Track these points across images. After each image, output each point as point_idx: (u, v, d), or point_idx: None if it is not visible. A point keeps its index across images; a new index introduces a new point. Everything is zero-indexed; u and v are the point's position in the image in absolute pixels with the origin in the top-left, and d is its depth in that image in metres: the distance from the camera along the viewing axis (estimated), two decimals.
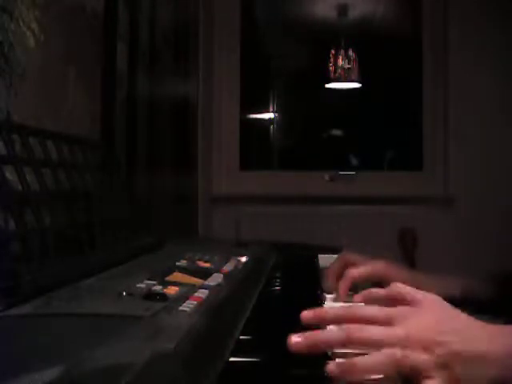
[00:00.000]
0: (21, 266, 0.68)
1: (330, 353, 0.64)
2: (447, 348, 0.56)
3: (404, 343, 0.57)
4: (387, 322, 0.60)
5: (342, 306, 0.65)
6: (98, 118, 1.44)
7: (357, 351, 0.64)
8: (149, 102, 1.93)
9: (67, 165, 0.92)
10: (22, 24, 1.04)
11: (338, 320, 0.62)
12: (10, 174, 0.75)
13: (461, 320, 0.61)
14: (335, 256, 1.30)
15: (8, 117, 0.96)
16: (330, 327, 0.63)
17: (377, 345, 0.58)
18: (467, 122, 2.99)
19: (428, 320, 0.60)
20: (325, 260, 1.26)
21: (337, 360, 0.60)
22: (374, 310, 0.63)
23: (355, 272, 1.01)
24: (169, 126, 2.24)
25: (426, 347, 0.57)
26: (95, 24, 1.43)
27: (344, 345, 0.60)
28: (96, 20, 1.43)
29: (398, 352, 0.57)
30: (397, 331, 0.59)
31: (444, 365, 0.56)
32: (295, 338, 0.59)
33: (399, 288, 0.67)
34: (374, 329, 0.59)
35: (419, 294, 0.65)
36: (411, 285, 1.02)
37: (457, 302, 1.04)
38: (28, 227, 0.74)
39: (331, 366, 0.57)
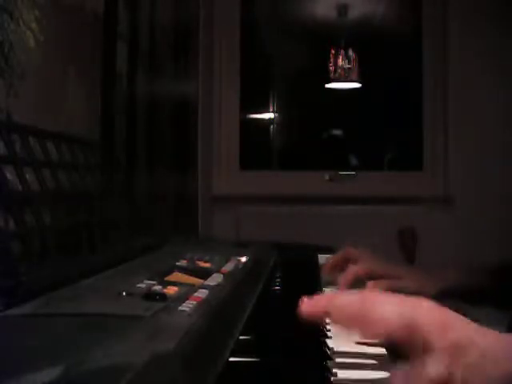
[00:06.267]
0: (21, 265, 0.68)
1: (330, 353, 0.64)
2: (459, 333, 0.54)
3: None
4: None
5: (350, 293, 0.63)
6: (97, 118, 1.44)
7: (358, 350, 0.65)
8: (149, 101, 1.93)
9: (67, 165, 0.92)
10: (21, 24, 1.04)
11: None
12: (10, 174, 0.75)
13: (463, 319, 0.60)
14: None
15: (8, 117, 0.96)
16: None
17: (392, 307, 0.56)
18: (467, 122, 2.99)
19: (435, 308, 0.58)
20: (325, 260, 1.26)
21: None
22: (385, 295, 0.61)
23: (359, 269, 1.03)
24: (169, 126, 2.24)
25: (437, 328, 0.54)
26: (95, 24, 1.43)
27: (356, 312, 0.57)
28: (96, 20, 1.43)
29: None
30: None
31: (456, 348, 0.53)
32: (307, 301, 0.59)
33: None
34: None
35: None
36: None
37: (450, 293, 1.05)
38: (28, 227, 0.74)
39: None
